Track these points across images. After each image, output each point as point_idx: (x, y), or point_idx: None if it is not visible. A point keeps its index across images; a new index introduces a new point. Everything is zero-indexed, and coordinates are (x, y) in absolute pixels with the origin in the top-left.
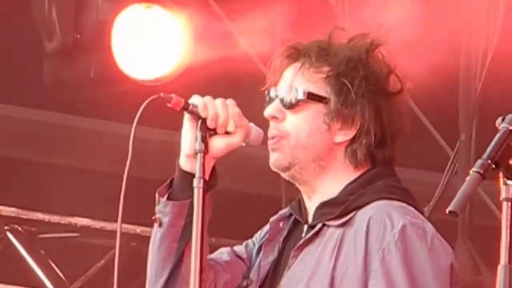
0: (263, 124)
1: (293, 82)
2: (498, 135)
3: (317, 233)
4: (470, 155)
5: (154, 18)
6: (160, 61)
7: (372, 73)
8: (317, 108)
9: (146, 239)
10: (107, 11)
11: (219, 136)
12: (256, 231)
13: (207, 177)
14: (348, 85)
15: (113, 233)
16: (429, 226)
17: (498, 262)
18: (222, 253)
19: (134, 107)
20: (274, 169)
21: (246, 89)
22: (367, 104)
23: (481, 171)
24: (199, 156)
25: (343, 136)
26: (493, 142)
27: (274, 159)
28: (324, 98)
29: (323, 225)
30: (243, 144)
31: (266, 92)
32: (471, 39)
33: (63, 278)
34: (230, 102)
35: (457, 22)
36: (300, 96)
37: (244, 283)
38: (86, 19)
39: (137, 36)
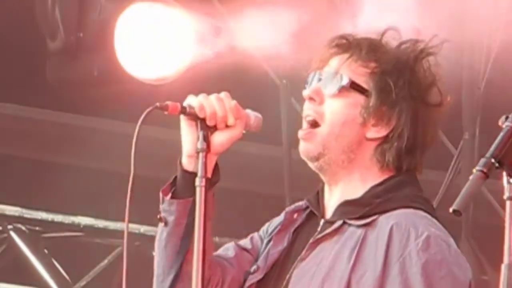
0: (267, 121)
1: (339, 69)
2: (501, 134)
3: (336, 230)
4: (473, 153)
5: (157, 17)
6: (163, 60)
7: (416, 80)
8: (357, 99)
9: (150, 239)
10: (110, 10)
11: (220, 131)
12: (259, 230)
13: (210, 174)
14: (392, 84)
15: (116, 232)
16: (451, 240)
17: (501, 261)
18: (228, 249)
19: (137, 106)
20: (304, 158)
21: (250, 87)
22: (405, 108)
23: (485, 170)
24: (200, 155)
25: (376, 133)
26: (496, 141)
27: (305, 148)
28: (366, 91)
29: (344, 222)
30: (244, 132)
31: (309, 75)
32: (475, 38)
33: (67, 277)
34: (224, 95)
35: (460, 20)
36: (344, 82)
37: (251, 270)
38: (89, 18)
39: (140, 35)
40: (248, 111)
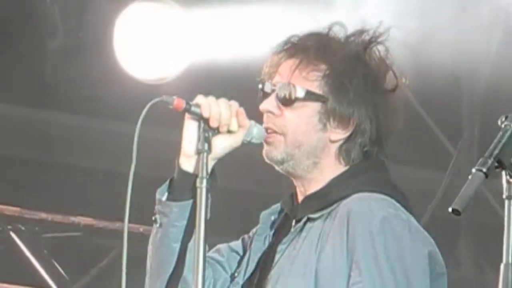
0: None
1: (290, 79)
2: (500, 133)
3: (302, 227)
4: (472, 153)
5: (155, 17)
6: (161, 60)
7: (370, 72)
8: (314, 106)
9: (149, 239)
10: (109, 10)
11: (221, 136)
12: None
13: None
14: (347, 84)
15: (115, 232)
16: (411, 219)
17: (500, 260)
18: (219, 250)
19: (136, 106)
20: (268, 161)
21: (249, 87)
22: (364, 104)
23: (484, 170)
24: (202, 156)
25: (339, 134)
26: (495, 141)
27: (268, 152)
28: (322, 97)
29: (308, 218)
30: (245, 142)
31: (261, 84)
32: (475, 38)
33: (66, 277)
34: (233, 102)
35: (460, 20)
36: (299, 94)
37: (235, 274)
38: (89, 18)
39: (139, 35)
40: (253, 122)
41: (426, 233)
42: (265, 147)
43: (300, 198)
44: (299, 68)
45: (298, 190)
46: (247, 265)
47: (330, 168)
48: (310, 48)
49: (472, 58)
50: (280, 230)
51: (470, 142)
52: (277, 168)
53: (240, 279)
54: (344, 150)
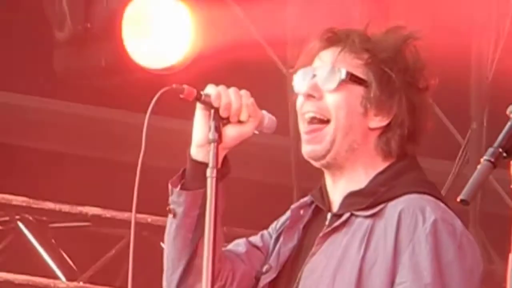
0: (273, 111)
1: (335, 63)
2: (509, 123)
3: (344, 223)
4: (481, 143)
5: (164, 6)
6: (170, 49)
7: (408, 66)
8: (357, 90)
9: (157, 228)
10: (118, 0)
11: (232, 125)
12: (267, 220)
13: (219, 167)
14: (390, 73)
15: (124, 222)
16: (458, 223)
17: (509, 250)
18: (239, 244)
19: (145, 96)
20: (309, 159)
21: (257, 76)
22: (404, 96)
23: (492, 159)
24: (212, 145)
25: (378, 122)
26: (504, 130)
27: (311, 150)
28: (365, 81)
29: (351, 214)
30: (256, 132)
31: (298, 71)
32: (483, 27)
33: (74, 267)
34: (244, 92)
35: (469, 10)
36: (343, 75)
37: (264, 269)
38: (97, 8)
39: (147, 24)
40: (264, 112)
41: (471, 237)
42: (307, 146)
43: (333, 190)
44: (342, 54)
45: (331, 182)
46: (278, 258)
47: (367, 159)
48: (353, 36)
49: (481, 48)
50: (311, 224)
51: (479, 132)
52: (316, 164)
53: (273, 272)
54: (384, 140)
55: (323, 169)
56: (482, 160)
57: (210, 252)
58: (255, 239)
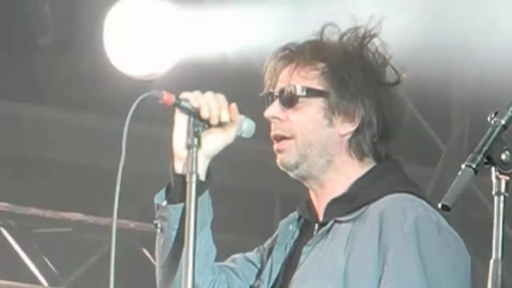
0: (256, 118)
1: (290, 81)
2: (490, 129)
3: (328, 230)
4: (462, 149)
5: (146, 13)
6: (152, 56)
7: (368, 65)
8: (317, 103)
9: (140, 234)
10: (100, 6)
11: (213, 132)
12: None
13: (203, 177)
14: (346, 77)
15: (106, 228)
16: (441, 219)
17: (490, 256)
18: (234, 259)
19: (126, 102)
20: (282, 169)
21: (239, 84)
22: (366, 96)
23: (474, 166)
24: (191, 150)
25: (347, 128)
26: (485, 136)
27: (282, 159)
28: (323, 92)
29: (335, 221)
30: (236, 136)
31: (266, 95)
32: (465, 33)
33: (56, 273)
34: (219, 95)
35: (451, 15)
36: (299, 92)
37: (256, 284)
38: (79, 15)
39: (129, 31)
40: (242, 116)
41: (455, 232)
42: (278, 156)
43: (316, 202)
44: (297, 70)
45: (312, 194)
46: (270, 273)
47: (344, 166)
48: (306, 50)
49: (462, 54)
50: (301, 237)
51: (460, 138)
52: (291, 174)
53: (265, 286)
54: (354, 143)
55: (301, 180)
56: (463, 166)
57: (190, 261)
58: (251, 255)
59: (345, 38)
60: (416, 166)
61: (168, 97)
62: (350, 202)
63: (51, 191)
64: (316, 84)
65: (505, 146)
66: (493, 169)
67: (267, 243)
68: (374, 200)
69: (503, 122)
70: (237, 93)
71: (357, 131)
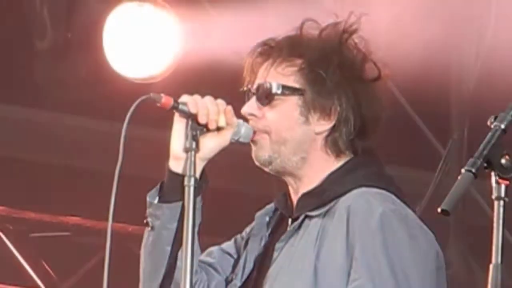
0: None
1: (266, 78)
2: (490, 134)
3: (300, 225)
4: (462, 154)
5: (145, 16)
6: (151, 59)
7: (346, 61)
8: (293, 100)
9: (138, 238)
10: (99, 10)
11: (209, 135)
12: (234, 228)
13: (198, 180)
14: (323, 74)
15: (104, 232)
16: (408, 212)
17: (490, 261)
18: (211, 253)
19: (125, 106)
20: (256, 163)
21: (238, 86)
22: (343, 93)
23: (473, 170)
24: (190, 154)
25: (322, 126)
26: (485, 141)
27: (255, 153)
28: (299, 89)
29: (306, 216)
30: (233, 141)
31: (244, 92)
32: (464, 37)
33: (54, 276)
34: (219, 100)
35: (449, 18)
36: (275, 90)
37: (230, 277)
38: (78, 18)
39: (128, 34)
40: (241, 121)
41: (424, 226)
42: (253, 148)
43: (294, 196)
44: (274, 66)
45: (290, 188)
46: (244, 266)
47: (320, 163)
48: (283, 46)
49: (461, 58)
50: (276, 230)
51: (460, 142)
52: (266, 169)
53: (238, 281)
54: (330, 141)
55: (276, 175)
56: (463, 170)
57: (188, 264)
58: (228, 245)
59: (324, 33)
60: (415, 171)
61: (166, 100)
62: (319, 197)
63: (49, 194)
64: (293, 81)
65: (504, 151)
66: (492, 173)
67: (245, 231)
68: (342, 194)
69: (502, 126)
70: (236, 97)
71: (333, 128)
